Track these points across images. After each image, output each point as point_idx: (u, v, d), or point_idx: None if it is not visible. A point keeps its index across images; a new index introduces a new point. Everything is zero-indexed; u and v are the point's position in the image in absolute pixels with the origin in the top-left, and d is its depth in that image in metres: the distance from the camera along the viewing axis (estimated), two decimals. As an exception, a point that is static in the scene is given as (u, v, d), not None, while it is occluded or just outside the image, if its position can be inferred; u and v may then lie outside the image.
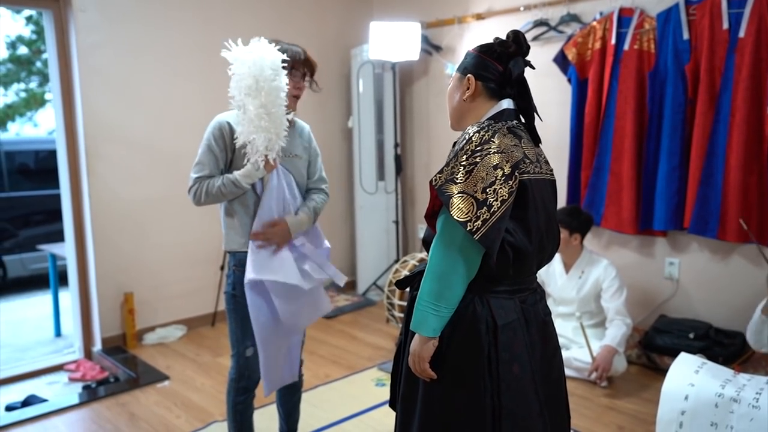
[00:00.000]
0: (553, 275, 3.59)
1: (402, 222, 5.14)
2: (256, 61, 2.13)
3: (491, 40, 1.68)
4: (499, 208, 1.48)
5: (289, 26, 4.71)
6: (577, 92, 3.87)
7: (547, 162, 1.71)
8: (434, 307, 1.53)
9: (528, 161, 1.58)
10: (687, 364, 2.50)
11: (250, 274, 2.20)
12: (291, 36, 4.66)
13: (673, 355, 2.90)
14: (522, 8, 4.19)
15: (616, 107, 3.68)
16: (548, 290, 3.62)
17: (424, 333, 1.55)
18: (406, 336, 1.70)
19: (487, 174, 1.50)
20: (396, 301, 4.04)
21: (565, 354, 3.32)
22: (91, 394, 3.41)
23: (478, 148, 1.53)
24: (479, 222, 1.46)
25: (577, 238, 3.46)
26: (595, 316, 3.54)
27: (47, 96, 10.06)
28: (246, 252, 2.28)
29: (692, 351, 3.14)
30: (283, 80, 2.17)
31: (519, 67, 1.64)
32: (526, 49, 1.66)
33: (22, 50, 10.16)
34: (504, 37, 1.66)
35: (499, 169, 1.50)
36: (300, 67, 2.31)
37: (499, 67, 1.65)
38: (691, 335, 3.41)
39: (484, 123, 1.60)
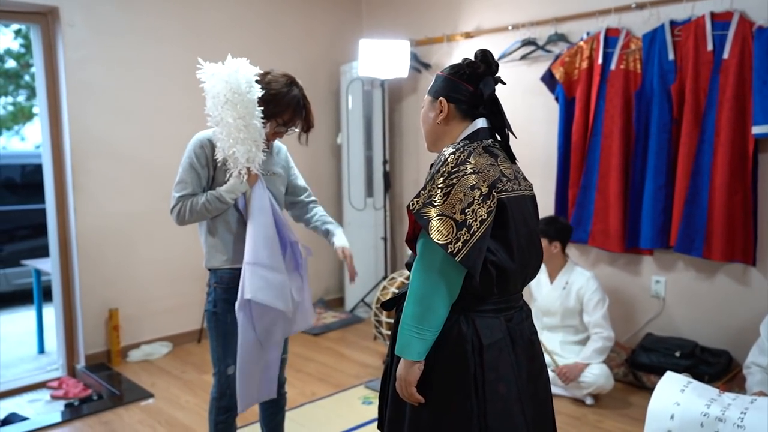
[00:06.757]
0: (538, 284, 3.60)
1: (390, 239, 5.14)
2: (230, 75, 2.13)
3: (460, 61, 1.69)
4: (478, 228, 1.48)
5: (279, 42, 4.73)
6: (565, 111, 3.90)
7: (525, 178, 1.72)
8: (417, 330, 1.52)
9: (505, 179, 1.58)
10: (673, 383, 2.50)
11: (246, 294, 2.15)
12: (281, 52, 4.73)
13: (660, 373, 2.91)
14: (510, 27, 4.23)
15: (603, 126, 3.71)
16: (534, 298, 3.61)
17: (408, 357, 1.54)
18: (392, 357, 1.69)
19: (464, 195, 1.50)
20: (384, 319, 4.02)
21: (552, 373, 3.32)
22: (73, 412, 3.36)
23: (455, 169, 1.53)
24: (460, 243, 1.46)
25: (557, 246, 3.46)
26: (579, 332, 3.54)
27: (35, 110, 10.02)
28: (228, 269, 2.27)
29: (678, 370, 3.14)
30: (256, 94, 2.17)
31: (490, 87, 1.65)
32: (495, 67, 1.67)
33: (10, 64, 10.14)
34: (472, 58, 1.67)
35: (476, 190, 1.50)
36: (295, 122, 2.33)
37: (470, 87, 1.65)
38: (677, 354, 3.42)
39: (459, 144, 1.60)
